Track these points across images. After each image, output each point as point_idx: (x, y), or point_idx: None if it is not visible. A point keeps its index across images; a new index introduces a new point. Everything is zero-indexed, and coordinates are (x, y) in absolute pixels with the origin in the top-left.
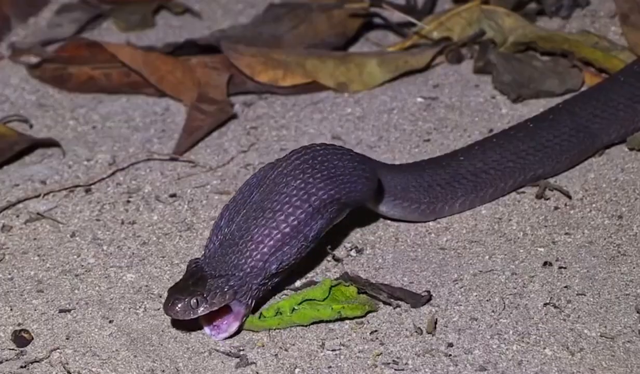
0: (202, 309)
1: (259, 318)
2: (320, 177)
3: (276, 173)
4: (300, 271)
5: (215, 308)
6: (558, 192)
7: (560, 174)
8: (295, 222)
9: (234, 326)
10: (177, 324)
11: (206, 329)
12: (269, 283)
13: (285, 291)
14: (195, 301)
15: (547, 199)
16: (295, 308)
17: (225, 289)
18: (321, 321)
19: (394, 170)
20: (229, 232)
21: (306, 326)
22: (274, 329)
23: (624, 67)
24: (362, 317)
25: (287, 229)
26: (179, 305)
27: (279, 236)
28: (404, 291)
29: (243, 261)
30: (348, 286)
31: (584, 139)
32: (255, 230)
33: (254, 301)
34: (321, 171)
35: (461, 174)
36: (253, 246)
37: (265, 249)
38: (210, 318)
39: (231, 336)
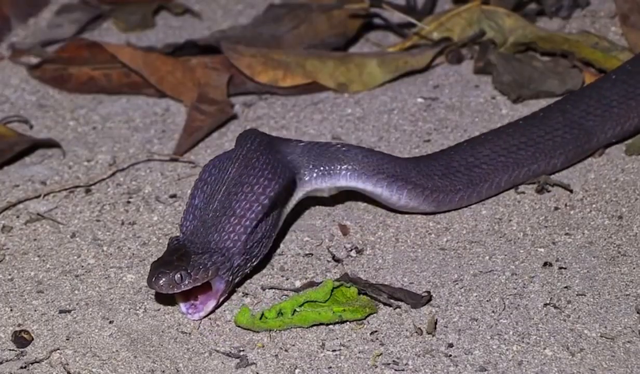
0: (185, 284)
1: (260, 318)
2: (280, 159)
3: (246, 150)
4: (301, 272)
5: (199, 284)
6: (558, 190)
7: (558, 171)
8: (272, 194)
9: (211, 305)
10: (178, 323)
11: (182, 308)
12: (249, 263)
13: (286, 292)
14: (179, 275)
15: (549, 191)
16: (297, 309)
17: (208, 265)
18: (322, 324)
19: (393, 158)
20: (212, 210)
21: (307, 327)
22: (275, 330)
23: (618, 66)
24: (362, 319)
25: (266, 202)
26: (163, 279)
27: (259, 208)
28: (404, 291)
29: (226, 236)
30: (349, 287)
31: (578, 135)
32: (237, 204)
33: (235, 279)
34: (278, 155)
35: (454, 167)
36: (236, 221)
37: (247, 223)
38: (187, 297)
39: (207, 315)
